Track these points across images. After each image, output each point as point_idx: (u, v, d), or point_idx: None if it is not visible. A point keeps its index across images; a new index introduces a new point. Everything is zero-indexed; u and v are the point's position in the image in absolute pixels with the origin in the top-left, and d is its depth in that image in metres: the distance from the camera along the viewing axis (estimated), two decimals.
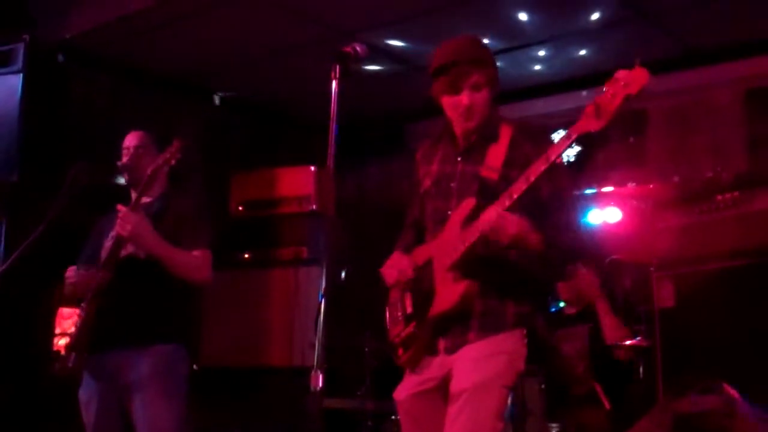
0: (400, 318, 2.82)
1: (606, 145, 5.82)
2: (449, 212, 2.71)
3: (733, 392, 3.51)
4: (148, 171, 3.39)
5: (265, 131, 6.52)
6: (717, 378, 3.60)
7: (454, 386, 2.60)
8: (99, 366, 3.40)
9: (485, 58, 2.71)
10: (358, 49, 2.61)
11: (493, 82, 2.71)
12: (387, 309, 2.91)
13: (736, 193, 4.38)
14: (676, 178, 5.58)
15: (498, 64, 2.78)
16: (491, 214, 2.49)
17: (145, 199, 3.50)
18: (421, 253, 2.81)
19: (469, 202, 2.65)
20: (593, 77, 5.62)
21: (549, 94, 5.85)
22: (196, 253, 3.46)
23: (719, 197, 4.41)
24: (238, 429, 4.84)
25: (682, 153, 5.55)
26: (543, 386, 4.55)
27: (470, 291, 2.61)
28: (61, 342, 4.84)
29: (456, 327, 2.66)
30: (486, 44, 2.83)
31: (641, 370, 4.68)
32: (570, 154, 5.87)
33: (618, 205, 6.52)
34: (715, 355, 4.09)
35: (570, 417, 4.57)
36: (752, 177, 4.94)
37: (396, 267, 2.82)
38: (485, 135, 2.73)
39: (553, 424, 4.51)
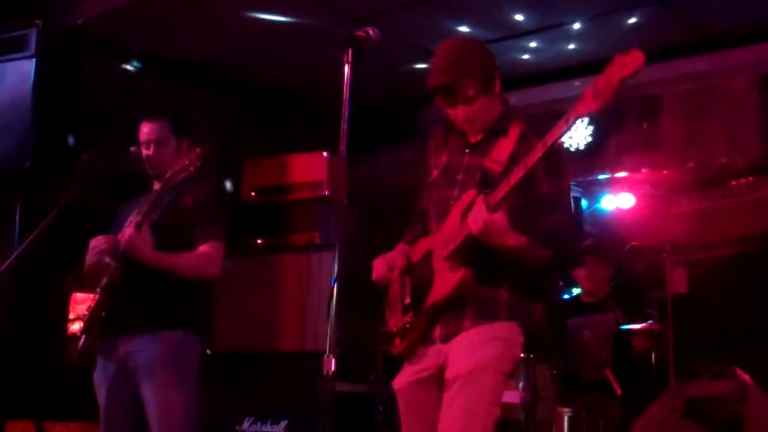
0: (399, 309, 2.82)
1: (620, 130, 5.78)
2: (451, 203, 2.72)
3: (746, 377, 3.50)
4: (167, 175, 3.40)
5: (278, 118, 6.52)
6: (729, 363, 3.59)
7: (450, 372, 2.60)
8: (111, 350, 3.44)
9: (475, 64, 2.68)
10: (370, 32, 2.60)
11: (488, 84, 2.70)
12: (386, 300, 2.91)
13: (750, 179, 4.34)
14: (690, 164, 5.55)
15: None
16: (479, 213, 2.49)
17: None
18: (422, 246, 2.82)
19: (470, 194, 2.64)
20: (603, 62, 5.57)
21: (561, 80, 5.82)
22: (203, 247, 3.50)
23: (733, 183, 4.37)
24: (250, 413, 4.86)
25: (696, 138, 5.52)
26: (554, 371, 4.55)
27: (467, 278, 2.60)
28: (75, 326, 4.88)
29: (451, 315, 2.66)
30: (477, 42, 2.82)
31: (654, 356, 4.68)
32: (583, 138, 5.84)
33: (631, 190, 6.50)
34: (728, 341, 4.07)
35: (582, 402, 4.57)
36: (767, 163, 4.91)
37: (386, 264, 2.83)
38: (495, 130, 2.74)
39: (565, 409, 4.51)
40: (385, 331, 2.91)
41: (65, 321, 5.04)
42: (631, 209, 6.58)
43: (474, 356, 2.56)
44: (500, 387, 2.60)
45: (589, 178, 6.48)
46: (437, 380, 2.66)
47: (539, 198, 2.61)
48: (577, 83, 5.65)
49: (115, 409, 3.46)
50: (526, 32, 5.24)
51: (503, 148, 2.66)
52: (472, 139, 2.78)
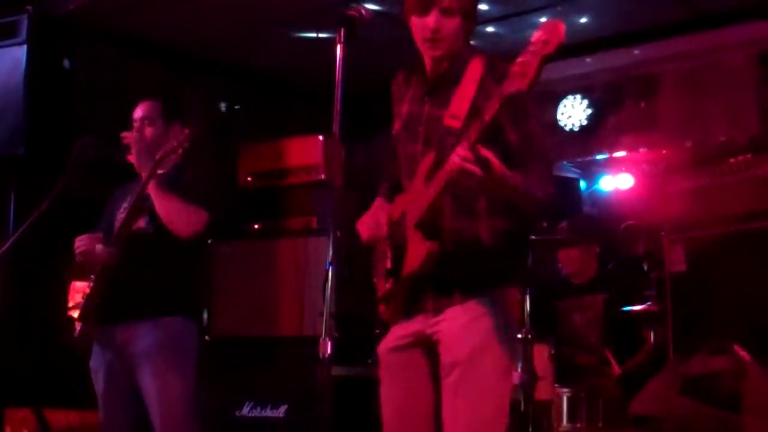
0: (382, 273, 2.72)
1: (617, 109, 5.76)
2: (418, 158, 2.59)
3: (744, 353, 3.49)
4: (156, 156, 3.37)
5: (273, 102, 6.49)
6: (728, 340, 3.58)
7: (446, 356, 2.50)
8: (108, 337, 3.44)
9: None
10: (363, 12, 2.57)
11: (468, 13, 2.53)
12: (375, 261, 2.80)
13: (748, 156, 4.33)
14: (688, 143, 5.54)
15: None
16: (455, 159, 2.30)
17: (159, 171, 3.50)
18: (398, 205, 2.69)
19: (430, 157, 2.52)
20: (601, 41, 5.55)
21: (556, 60, 5.77)
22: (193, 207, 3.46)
23: (732, 160, 4.36)
24: (250, 398, 4.86)
25: (694, 117, 5.50)
26: (553, 352, 4.55)
27: (432, 253, 2.48)
28: (74, 315, 4.89)
29: (440, 286, 2.55)
30: None
31: (652, 335, 4.68)
32: (581, 119, 5.81)
33: (630, 170, 6.49)
34: (726, 319, 4.07)
35: (581, 382, 4.57)
36: (766, 140, 4.89)
37: (371, 222, 2.73)
38: (453, 72, 2.57)
39: (564, 389, 4.51)
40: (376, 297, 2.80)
41: (62, 309, 5.04)
42: (630, 189, 6.57)
43: (470, 337, 2.47)
44: (504, 356, 2.51)
45: (587, 159, 6.46)
46: (421, 347, 2.58)
47: (509, 149, 2.44)
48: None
49: (114, 396, 3.46)
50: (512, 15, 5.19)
51: (462, 97, 2.50)
52: (431, 81, 2.62)
